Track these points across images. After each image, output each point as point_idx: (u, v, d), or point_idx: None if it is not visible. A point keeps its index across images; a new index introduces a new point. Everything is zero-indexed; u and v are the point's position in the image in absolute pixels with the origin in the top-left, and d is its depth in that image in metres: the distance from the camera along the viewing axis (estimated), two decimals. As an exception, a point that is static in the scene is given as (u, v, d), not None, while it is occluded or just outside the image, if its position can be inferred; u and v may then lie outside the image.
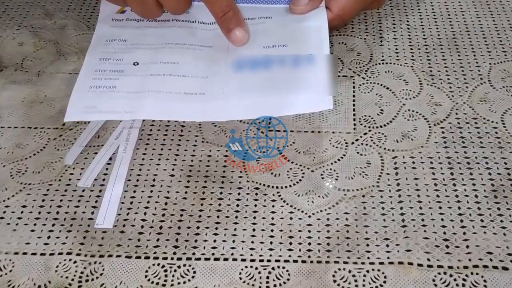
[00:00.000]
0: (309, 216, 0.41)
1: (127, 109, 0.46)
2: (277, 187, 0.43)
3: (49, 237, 0.41)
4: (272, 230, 0.41)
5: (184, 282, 0.38)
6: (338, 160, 0.45)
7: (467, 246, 0.39)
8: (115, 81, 0.47)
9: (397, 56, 0.53)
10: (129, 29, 0.52)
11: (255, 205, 0.42)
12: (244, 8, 0.52)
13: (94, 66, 0.49)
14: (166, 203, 0.43)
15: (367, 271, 0.38)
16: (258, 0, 0.53)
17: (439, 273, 0.38)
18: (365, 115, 0.48)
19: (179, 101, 0.46)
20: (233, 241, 0.40)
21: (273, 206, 0.42)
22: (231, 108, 0.46)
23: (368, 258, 0.39)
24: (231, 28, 0.48)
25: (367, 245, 0.40)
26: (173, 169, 0.45)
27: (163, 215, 0.42)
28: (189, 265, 0.39)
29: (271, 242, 0.40)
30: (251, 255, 0.39)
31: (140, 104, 0.46)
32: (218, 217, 0.42)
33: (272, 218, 0.41)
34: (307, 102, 0.45)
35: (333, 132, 0.47)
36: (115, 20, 0.53)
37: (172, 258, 0.39)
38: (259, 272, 0.38)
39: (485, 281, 0.37)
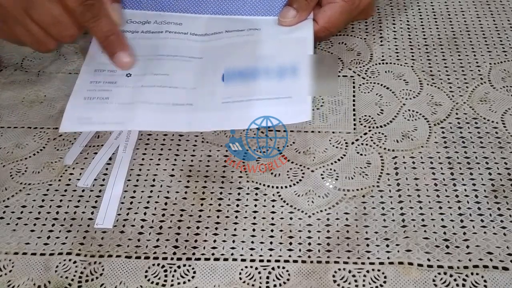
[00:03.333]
0: (309, 216, 0.41)
1: (118, 120, 0.47)
2: (277, 187, 0.43)
3: (49, 237, 0.41)
4: (272, 230, 0.41)
5: (184, 282, 0.38)
6: (338, 160, 0.45)
7: (467, 246, 0.39)
8: (108, 93, 0.48)
9: (397, 56, 0.53)
10: None
11: (255, 205, 0.42)
12: (234, 20, 0.54)
13: (89, 78, 0.49)
14: (166, 203, 0.43)
15: (367, 271, 0.38)
16: (248, 12, 0.54)
17: (439, 273, 0.38)
18: (365, 115, 0.48)
19: (167, 112, 0.47)
20: (233, 241, 0.40)
21: (273, 206, 0.42)
22: (217, 119, 0.46)
23: (368, 258, 0.39)
24: (114, 52, 0.48)
25: (367, 245, 0.40)
26: (173, 169, 0.45)
27: (163, 215, 0.42)
28: (189, 265, 0.39)
29: (271, 242, 0.40)
30: (251, 255, 0.39)
31: (130, 115, 0.47)
32: (218, 217, 0.42)
33: (272, 218, 0.41)
34: (288, 113, 0.46)
35: (333, 132, 0.47)
36: None
37: (172, 258, 0.39)
38: (259, 272, 0.38)
39: (485, 281, 0.37)
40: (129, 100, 0.48)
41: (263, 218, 0.41)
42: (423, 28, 0.56)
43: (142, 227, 0.41)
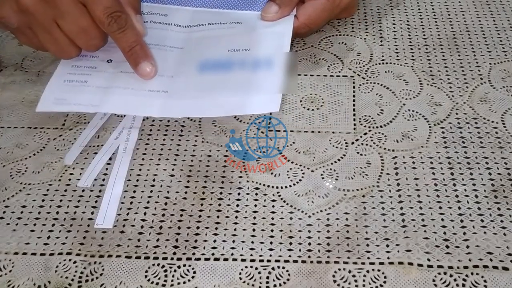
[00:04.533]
0: (309, 216, 0.41)
1: (93, 103, 0.48)
2: (277, 187, 0.43)
3: (49, 237, 0.41)
4: (272, 230, 0.41)
5: (184, 282, 0.38)
6: (338, 160, 0.45)
7: (467, 246, 0.39)
8: (87, 76, 0.50)
9: (397, 56, 0.53)
10: None
11: (255, 205, 0.42)
12: (217, 13, 0.55)
13: (71, 62, 0.51)
14: (166, 203, 0.43)
15: (367, 271, 0.38)
16: (232, 6, 0.56)
17: (439, 273, 0.38)
18: (365, 115, 0.48)
19: (142, 97, 0.48)
20: (233, 241, 0.40)
21: (273, 206, 0.42)
22: (188, 107, 0.48)
23: (368, 258, 0.39)
24: (138, 62, 0.49)
25: (367, 245, 0.40)
26: (173, 169, 0.45)
27: (163, 215, 0.42)
28: (189, 265, 0.39)
29: (271, 242, 0.40)
30: (251, 255, 0.39)
31: (105, 98, 0.48)
32: (218, 217, 0.42)
33: (272, 218, 0.41)
34: (257, 103, 0.47)
35: (333, 132, 0.47)
36: None
37: (172, 258, 0.39)
38: (259, 272, 0.38)
39: (485, 281, 0.37)
40: (106, 84, 0.49)
41: (263, 218, 0.41)
42: (423, 28, 0.56)
43: (142, 227, 0.41)
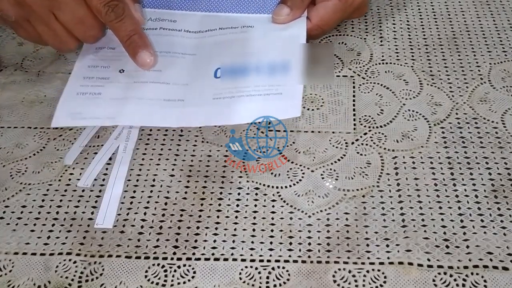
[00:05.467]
0: (309, 216, 0.41)
1: (109, 115, 0.47)
2: (277, 187, 0.43)
3: (49, 237, 0.41)
4: (272, 230, 0.41)
5: (184, 282, 0.38)
6: (338, 160, 0.45)
7: (467, 246, 0.39)
8: (101, 88, 0.49)
9: (397, 56, 0.53)
10: None
11: (255, 205, 0.42)
12: (227, 17, 0.54)
13: (83, 73, 0.50)
14: (166, 203, 0.43)
15: (367, 271, 0.38)
16: (242, 10, 0.55)
17: (439, 273, 0.38)
18: (365, 115, 0.48)
19: (158, 107, 0.47)
20: (233, 241, 0.40)
21: (273, 206, 0.42)
22: (206, 115, 0.47)
23: (368, 258, 0.39)
24: (137, 51, 0.48)
25: (367, 245, 0.39)
26: (173, 169, 0.45)
27: (163, 215, 0.42)
28: (189, 265, 0.39)
29: (271, 242, 0.40)
30: (251, 255, 0.39)
31: (121, 110, 0.47)
32: (218, 217, 0.42)
33: (272, 218, 0.41)
34: (278, 109, 0.46)
35: (333, 132, 0.47)
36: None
37: (172, 258, 0.39)
38: (259, 272, 0.38)
39: (485, 281, 0.37)
40: (121, 95, 0.48)
41: (263, 218, 0.41)
42: (423, 28, 0.56)
43: (142, 227, 0.41)
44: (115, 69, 0.50)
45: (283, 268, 0.39)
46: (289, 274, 0.38)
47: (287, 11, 0.52)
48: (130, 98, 0.48)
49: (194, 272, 0.39)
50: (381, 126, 0.47)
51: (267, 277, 0.38)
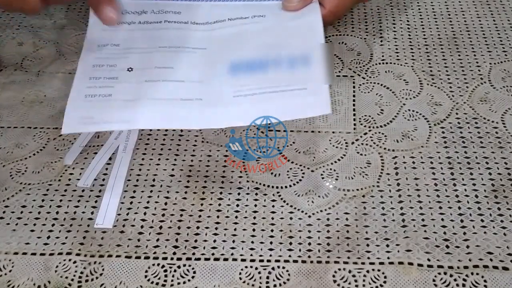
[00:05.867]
0: (309, 216, 0.41)
1: (124, 119, 0.44)
2: (277, 187, 0.43)
3: (49, 237, 0.41)
4: (272, 230, 0.41)
5: (184, 282, 0.38)
6: (338, 160, 0.45)
7: (467, 246, 0.39)
8: (111, 89, 0.45)
9: (397, 56, 0.53)
10: (121, 32, 0.50)
11: (255, 205, 0.42)
12: (236, 6, 0.51)
13: (88, 74, 0.47)
14: (166, 203, 0.43)
15: (367, 271, 0.38)
16: None
17: (439, 273, 0.38)
18: (365, 115, 0.48)
19: (176, 108, 0.44)
20: (233, 241, 0.40)
21: (273, 206, 0.42)
22: (230, 114, 0.44)
23: (368, 258, 0.39)
24: (98, 5, 0.47)
25: (367, 245, 0.39)
26: (173, 169, 0.45)
27: (163, 215, 0.42)
28: (189, 265, 0.39)
29: (271, 242, 0.40)
30: (251, 255, 0.39)
31: (136, 112, 0.44)
32: (218, 217, 0.42)
33: (272, 218, 0.41)
34: (305, 106, 0.44)
35: (333, 132, 0.47)
36: None
37: (172, 258, 0.39)
38: (259, 272, 0.38)
39: (485, 281, 0.37)
40: (134, 96, 0.45)
41: (263, 218, 0.41)
42: (423, 28, 0.56)
43: (142, 227, 0.41)
44: (123, 68, 0.47)
45: (283, 268, 0.39)
46: (289, 274, 0.38)
47: None
48: (144, 99, 0.45)
49: (194, 272, 0.39)
50: (381, 126, 0.47)
51: (267, 277, 0.38)
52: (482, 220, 0.41)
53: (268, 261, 0.39)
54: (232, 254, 0.39)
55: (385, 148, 0.46)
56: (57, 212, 0.42)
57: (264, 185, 0.44)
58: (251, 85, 0.45)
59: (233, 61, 0.47)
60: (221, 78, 0.46)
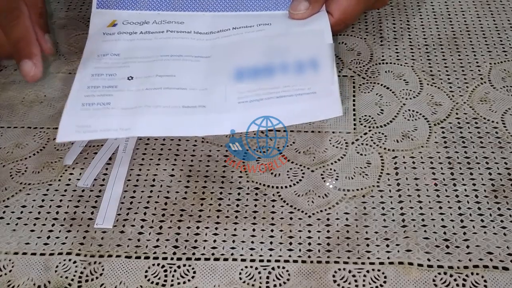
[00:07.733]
0: (309, 216, 0.41)
1: (122, 126, 0.43)
2: (277, 187, 0.43)
3: (49, 237, 0.41)
4: (272, 230, 0.41)
5: (184, 282, 0.38)
6: (338, 160, 0.45)
7: (467, 246, 0.39)
8: (109, 98, 0.45)
9: (397, 56, 0.53)
10: (121, 42, 0.50)
11: (255, 205, 0.42)
12: (240, 16, 0.51)
13: (86, 83, 0.46)
14: (166, 203, 0.43)
15: (367, 271, 0.38)
16: (255, 8, 0.51)
17: (439, 273, 0.38)
18: (365, 115, 0.48)
19: (178, 115, 0.44)
20: (233, 241, 0.40)
21: (273, 206, 0.42)
22: (234, 120, 0.43)
23: (368, 258, 0.39)
24: (20, 59, 0.46)
25: (367, 245, 0.39)
26: (173, 169, 0.45)
27: (163, 215, 0.42)
28: (189, 265, 0.39)
29: (271, 242, 0.40)
30: (251, 255, 0.39)
31: (136, 120, 0.43)
32: (218, 217, 0.42)
33: (272, 218, 0.41)
34: (315, 110, 0.43)
35: (333, 132, 0.47)
36: (106, 34, 0.50)
37: (172, 258, 0.39)
38: (259, 272, 0.38)
39: (485, 281, 0.37)
40: (134, 104, 0.44)
41: (263, 218, 0.41)
42: (423, 28, 0.56)
43: (142, 227, 0.41)
44: (123, 77, 0.46)
45: (283, 268, 0.38)
46: (289, 274, 0.38)
47: (306, 5, 0.48)
48: (145, 106, 0.44)
49: (194, 272, 0.39)
50: (381, 126, 0.47)
51: (267, 277, 0.38)
52: (482, 220, 0.41)
53: (268, 261, 0.39)
54: (232, 254, 0.39)
55: (385, 148, 0.46)
56: (57, 212, 0.42)
57: (264, 185, 0.44)
58: (257, 91, 0.45)
59: (238, 68, 0.46)
60: (226, 85, 0.45)
